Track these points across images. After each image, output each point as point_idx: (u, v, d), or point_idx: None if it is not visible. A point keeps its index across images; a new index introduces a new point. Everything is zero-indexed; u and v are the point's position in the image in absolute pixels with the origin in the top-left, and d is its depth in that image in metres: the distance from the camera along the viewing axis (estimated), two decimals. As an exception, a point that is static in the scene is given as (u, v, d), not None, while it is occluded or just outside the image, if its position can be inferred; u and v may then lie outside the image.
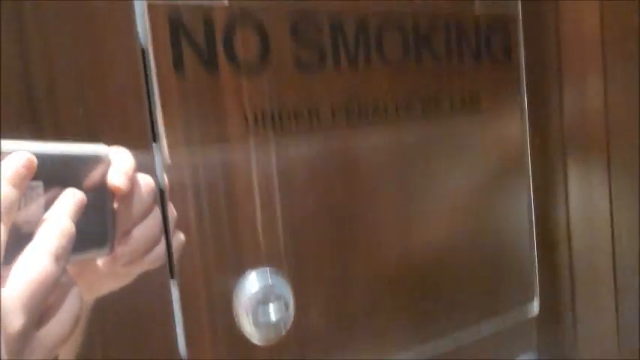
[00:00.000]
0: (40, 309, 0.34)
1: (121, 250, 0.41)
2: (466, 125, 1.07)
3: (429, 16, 1.00)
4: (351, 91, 0.91)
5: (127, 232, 0.41)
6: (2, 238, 0.33)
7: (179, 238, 0.46)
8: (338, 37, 0.89)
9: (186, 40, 0.75)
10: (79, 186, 0.38)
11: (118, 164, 0.40)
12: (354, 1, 0.91)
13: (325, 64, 0.88)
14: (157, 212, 0.43)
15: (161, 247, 0.43)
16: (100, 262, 0.43)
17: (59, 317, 0.35)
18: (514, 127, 1.16)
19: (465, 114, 1.06)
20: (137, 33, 0.72)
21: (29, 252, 0.34)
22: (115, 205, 0.41)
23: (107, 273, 0.43)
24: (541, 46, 1.17)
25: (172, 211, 0.44)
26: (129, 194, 0.41)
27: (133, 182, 0.41)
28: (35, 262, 0.34)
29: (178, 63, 0.74)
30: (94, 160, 0.39)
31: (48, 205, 0.36)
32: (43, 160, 0.35)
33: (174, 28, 0.74)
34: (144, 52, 0.73)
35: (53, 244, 0.35)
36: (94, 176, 0.39)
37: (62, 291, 0.36)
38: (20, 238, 0.35)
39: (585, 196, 1.15)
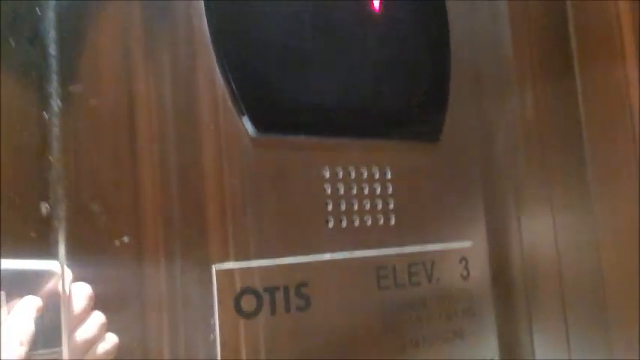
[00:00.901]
0: None
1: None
2: None
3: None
4: None
5: (72, 333, 0.49)
6: None
7: (110, 340, 0.51)
8: None
9: None
10: (35, 294, 0.47)
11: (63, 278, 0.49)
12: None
13: None
14: (94, 315, 0.51)
15: (103, 344, 0.50)
16: None
17: None
18: None
19: None
20: None
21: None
22: (62, 310, 0.49)
23: None
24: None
25: (102, 317, 0.51)
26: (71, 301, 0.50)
27: (70, 291, 0.49)
28: (8, 348, 0.43)
29: None
30: (47, 275, 0.48)
31: (8, 310, 0.45)
32: (6, 273, 0.45)
33: None
34: None
35: (19, 334, 0.44)
36: (47, 287, 0.48)
37: None
38: None
39: None
